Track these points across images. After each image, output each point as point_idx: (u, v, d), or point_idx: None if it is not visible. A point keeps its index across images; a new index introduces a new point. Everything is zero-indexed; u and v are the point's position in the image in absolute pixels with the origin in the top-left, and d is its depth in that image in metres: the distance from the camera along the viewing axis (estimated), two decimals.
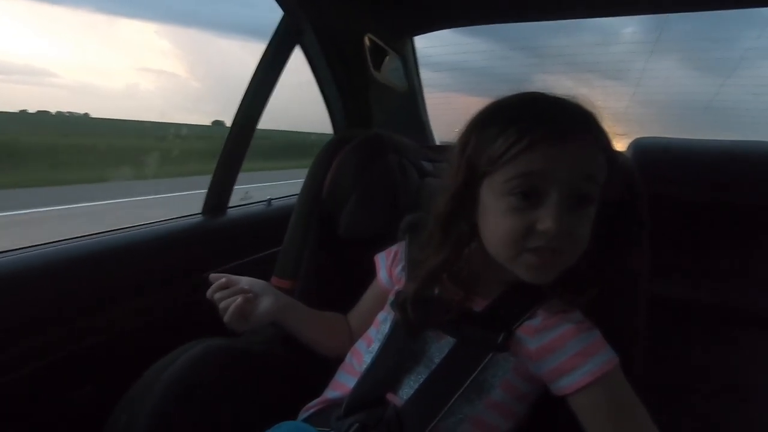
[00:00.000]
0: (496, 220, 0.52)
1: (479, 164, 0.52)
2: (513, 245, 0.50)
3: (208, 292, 0.66)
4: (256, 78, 1.09)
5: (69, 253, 0.82)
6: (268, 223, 1.21)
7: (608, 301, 0.55)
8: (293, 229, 0.86)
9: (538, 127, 0.49)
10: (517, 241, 0.50)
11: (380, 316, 0.66)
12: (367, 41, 1.30)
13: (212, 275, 0.67)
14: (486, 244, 0.54)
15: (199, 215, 1.10)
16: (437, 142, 1.67)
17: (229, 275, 0.67)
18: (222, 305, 0.64)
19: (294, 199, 0.90)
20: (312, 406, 0.62)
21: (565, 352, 0.52)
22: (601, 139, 0.52)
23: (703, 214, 0.94)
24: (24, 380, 0.72)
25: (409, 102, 1.60)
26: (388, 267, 0.69)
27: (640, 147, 0.97)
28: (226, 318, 0.63)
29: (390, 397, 0.55)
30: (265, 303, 0.67)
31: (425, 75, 1.63)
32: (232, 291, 0.65)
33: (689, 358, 0.90)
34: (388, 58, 1.42)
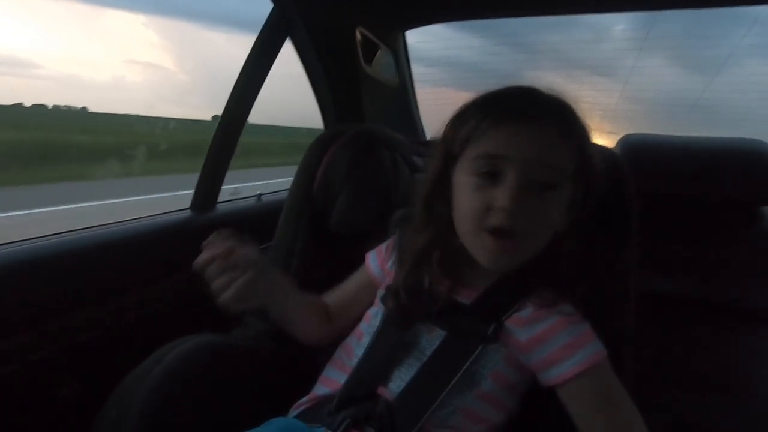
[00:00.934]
0: (461, 198, 0.54)
1: (454, 147, 0.55)
2: (473, 222, 0.52)
3: (198, 260, 0.57)
4: (246, 71, 1.08)
5: (55, 248, 0.81)
6: (258, 219, 1.20)
7: (597, 297, 0.56)
8: (284, 224, 0.86)
9: (502, 109, 0.52)
10: (476, 218, 0.52)
11: (371, 310, 0.65)
12: (358, 35, 1.29)
13: (206, 242, 0.58)
14: (456, 227, 0.56)
15: (188, 210, 1.09)
16: (428, 138, 1.67)
17: (230, 244, 0.57)
18: (218, 283, 0.56)
19: (284, 195, 0.89)
20: (303, 403, 0.62)
21: (555, 343, 0.52)
22: (570, 127, 0.54)
23: (691, 210, 0.95)
24: (11, 376, 0.71)
25: (400, 97, 1.60)
26: (381, 261, 0.69)
27: (629, 143, 0.98)
28: (222, 299, 0.55)
29: (381, 391, 0.55)
30: (265, 284, 0.60)
31: (417, 70, 1.63)
32: (228, 266, 0.56)
33: (677, 353, 0.92)
34: (379, 52, 1.42)
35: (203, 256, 0.57)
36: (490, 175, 0.51)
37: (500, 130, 0.51)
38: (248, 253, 0.58)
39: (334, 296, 0.72)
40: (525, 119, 0.51)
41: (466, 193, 0.53)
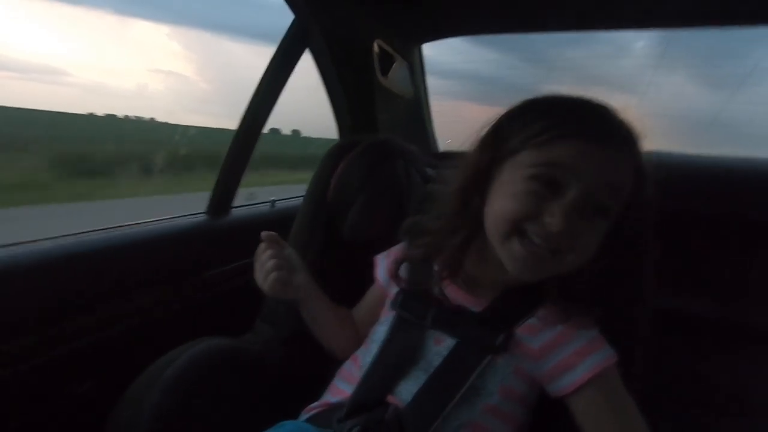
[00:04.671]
0: (507, 197, 0.52)
1: (509, 143, 0.52)
2: (510, 224, 0.50)
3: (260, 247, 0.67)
4: (265, 81, 1.10)
5: (73, 248, 0.83)
6: (272, 225, 1.21)
7: (611, 312, 0.55)
8: (298, 230, 0.86)
9: (583, 123, 0.49)
10: (516, 220, 0.50)
11: (380, 318, 0.66)
12: (375, 47, 1.31)
13: (264, 233, 0.67)
14: (486, 222, 0.54)
15: (203, 215, 1.11)
16: (440, 150, 1.67)
17: (279, 239, 0.68)
18: (263, 270, 0.64)
19: (298, 202, 0.90)
20: (314, 407, 0.62)
21: (567, 349, 0.52)
22: (637, 157, 0.52)
23: (710, 229, 0.94)
24: (26, 375, 0.72)
25: (415, 109, 1.61)
26: (388, 267, 0.69)
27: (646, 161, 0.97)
28: (266, 285, 0.64)
29: (390, 399, 0.55)
30: (300, 278, 0.68)
31: (433, 82, 1.64)
32: (275, 255, 0.65)
33: (701, 374, 0.90)
34: (395, 64, 1.43)
35: (262, 246, 0.66)
36: (549, 185, 0.49)
37: (576, 144, 0.49)
38: (290, 254, 0.67)
39: (358, 311, 0.74)
40: (603, 141, 0.49)
41: (515, 195, 0.51)
